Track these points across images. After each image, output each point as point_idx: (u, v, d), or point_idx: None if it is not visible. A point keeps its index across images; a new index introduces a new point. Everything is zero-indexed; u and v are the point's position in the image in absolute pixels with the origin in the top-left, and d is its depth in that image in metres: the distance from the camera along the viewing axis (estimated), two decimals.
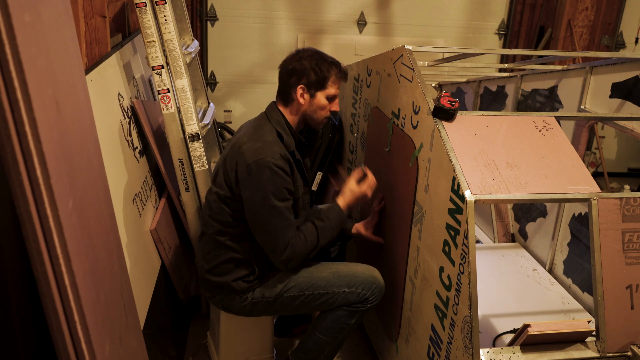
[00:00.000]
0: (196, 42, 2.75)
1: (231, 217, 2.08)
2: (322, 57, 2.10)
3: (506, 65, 3.11)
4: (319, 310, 2.19)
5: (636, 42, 5.26)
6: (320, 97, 2.09)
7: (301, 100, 2.08)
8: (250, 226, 2.05)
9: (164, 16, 2.39)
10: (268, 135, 2.05)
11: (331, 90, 2.10)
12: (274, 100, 2.18)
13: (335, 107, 2.14)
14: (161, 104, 2.43)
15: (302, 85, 2.07)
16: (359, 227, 2.40)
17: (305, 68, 2.06)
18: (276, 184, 1.97)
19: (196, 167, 2.50)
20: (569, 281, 2.61)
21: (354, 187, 2.22)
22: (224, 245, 2.11)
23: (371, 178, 2.24)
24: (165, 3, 2.39)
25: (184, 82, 2.44)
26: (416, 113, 1.99)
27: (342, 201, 2.21)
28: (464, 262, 1.62)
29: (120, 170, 2.29)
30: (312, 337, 2.20)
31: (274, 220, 2.00)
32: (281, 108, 2.13)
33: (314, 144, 2.38)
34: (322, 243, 2.10)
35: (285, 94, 2.11)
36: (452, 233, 1.69)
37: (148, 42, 2.40)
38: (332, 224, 2.14)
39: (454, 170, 1.69)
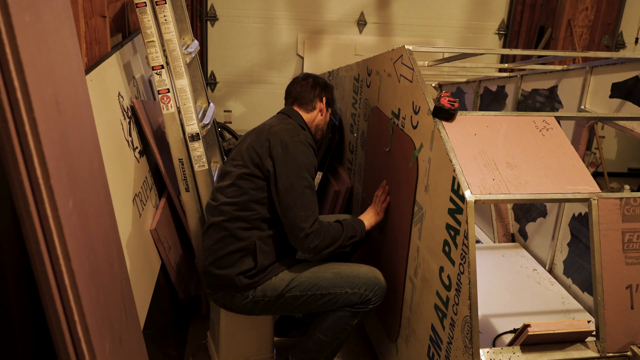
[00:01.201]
0: (196, 42, 2.75)
1: (249, 199, 2.09)
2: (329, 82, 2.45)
3: (506, 65, 3.11)
4: (321, 311, 2.19)
5: (636, 42, 5.26)
6: (328, 113, 2.41)
7: (322, 112, 2.35)
8: (280, 203, 2.06)
9: (164, 16, 2.39)
10: (295, 125, 2.22)
11: (330, 110, 2.42)
12: (287, 106, 2.37)
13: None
14: (161, 104, 2.43)
15: (325, 97, 2.35)
16: (368, 219, 2.32)
17: (326, 85, 2.37)
18: (309, 159, 2.10)
19: (196, 167, 2.50)
20: (569, 281, 2.61)
21: (379, 210, 2.33)
22: (232, 234, 2.11)
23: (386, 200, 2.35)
24: (165, 3, 2.39)
25: (184, 82, 2.44)
26: (416, 113, 1.99)
27: (367, 221, 2.29)
28: (464, 262, 1.62)
29: (120, 170, 2.29)
30: (312, 337, 2.20)
31: (307, 193, 2.06)
32: (300, 112, 2.32)
33: None
34: (345, 235, 2.14)
35: (308, 102, 2.33)
36: (452, 233, 1.69)
37: (148, 42, 2.40)
38: (354, 224, 2.22)
39: (454, 170, 1.69)
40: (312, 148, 2.16)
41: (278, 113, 2.36)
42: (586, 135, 2.54)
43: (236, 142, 2.35)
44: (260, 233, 2.11)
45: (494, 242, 3.11)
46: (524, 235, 3.01)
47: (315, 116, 2.34)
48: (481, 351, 1.58)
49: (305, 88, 2.33)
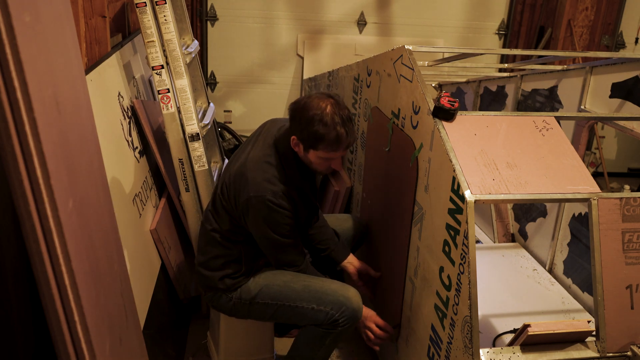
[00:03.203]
0: (196, 42, 2.75)
1: (230, 223, 2.09)
2: (322, 119, 1.87)
3: (506, 65, 3.11)
4: (294, 323, 2.19)
5: (636, 42, 5.26)
6: (312, 155, 1.97)
7: (296, 148, 2.00)
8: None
9: (164, 16, 2.40)
10: (273, 169, 1.99)
11: (322, 154, 1.95)
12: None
13: (335, 165, 2.05)
14: (161, 104, 2.43)
15: (295, 137, 1.96)
16: (349, 267, 2.34)
17: (301, 122, 1.91)
18: (275, 221, 1.99)
19: (196, 167, 2.50)
20: (569, 281, 2.61)
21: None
22: (216, 241, 2.12)
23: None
24: (165, 3, 2.39)
25: (184, 82, 2.44)
26: (416, 113, 1.99)
27: (351, 268, 2.34)
28: (464, 262, 1.62)
29: (120, 170, 2.29)
30: (295, 350, 2.21)
31: (273, 249, 2.09)
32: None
33: None
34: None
35: (291, 131, 2.00)
36: (452, 233, 1.69)
37: (148, 42, 2.40)
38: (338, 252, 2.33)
39: (454, 170, 1.69)
40: (281, 206, 1.95)
41: (278, 134, 2.06)
42: (586, 135, 2.54)
43: (239, 147, 2.21)
44: (245, 242, 2.12)
45: (494, 242, 3.11)
46: (524, 235, 3.01)
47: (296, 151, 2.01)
48: (481, 351, 1.57)
49: (289, 113, 1.98)
